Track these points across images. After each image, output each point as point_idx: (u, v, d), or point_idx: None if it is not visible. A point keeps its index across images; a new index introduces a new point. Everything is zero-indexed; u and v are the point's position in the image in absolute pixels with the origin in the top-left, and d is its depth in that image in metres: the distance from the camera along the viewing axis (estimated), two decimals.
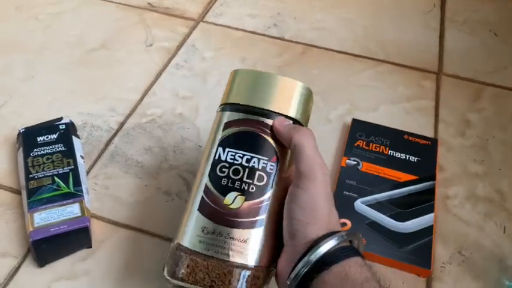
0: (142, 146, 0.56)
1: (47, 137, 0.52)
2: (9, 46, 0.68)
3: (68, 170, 0.49)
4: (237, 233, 0.35)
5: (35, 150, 0.50)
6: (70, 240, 0.45)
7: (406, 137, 0.57)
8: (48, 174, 0.48)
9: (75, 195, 0.47)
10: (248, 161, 0.37)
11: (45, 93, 0.62)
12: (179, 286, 0.36)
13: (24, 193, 0.47)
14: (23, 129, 0.53)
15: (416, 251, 0.46)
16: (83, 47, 0.69)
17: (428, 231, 0.48)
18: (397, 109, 0.63)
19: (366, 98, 0.64)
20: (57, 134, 0.52)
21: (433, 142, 0.57)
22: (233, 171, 0.36)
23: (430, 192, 0.51)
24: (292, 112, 0.39)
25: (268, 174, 0.37)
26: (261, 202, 0.36)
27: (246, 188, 0.36)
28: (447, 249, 0.48)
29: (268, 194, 0.36)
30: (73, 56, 0.67)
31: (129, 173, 0.54)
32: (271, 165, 0.37)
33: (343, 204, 0.50)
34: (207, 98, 0.62)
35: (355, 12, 0.77)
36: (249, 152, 0.37)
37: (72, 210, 0.45)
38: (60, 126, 0.53)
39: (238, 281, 0.34)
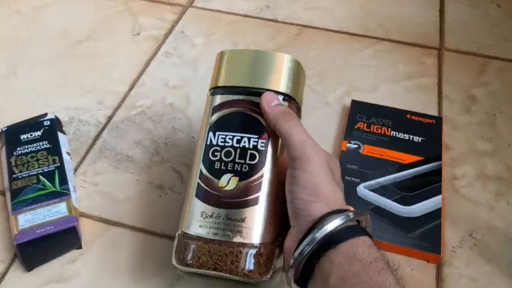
0: (132, 139, 0.54)
1: (31, 135, 0.49)
2: None
3: (53, 168, 0.46)
4: (235, 213, 0.35)
5: (19, 148, 0.48)
6: (58, 241, 0.42)
7: (408, 116, 0.54)
8: (33, 173, 0.46)
9: (61, 194, 0.44)
10: (238, 141, 0.36)
11: (29, 89, 0.59)
12: (188, 273, 0.37)
13: (8, 194, 0.45)
14: (5, 128, 0.50)
15: (425, 236, 0.44)
16: (68, 39, 0.66)
17: (436, 214, 0.45)
18: (399, 88, 0.60)
19: (365, 78, 0.61)
20: (41, 131, 0.50)
21: (438, 120, 0.54)
22: (225, 153, 0.36)
23: (437, 173, 0.49)
24: (282, 87, 0.38)
25: (260, 152, 0.36)
26: (256, 180, 0.36)
27: (238, 169, 0.36)
28: (457, 233, 0.46)
29: (263, 171, 0.36)
30: (58, 49, 0.65)
31: (119, 168, 0.51)
32: (262, 142, 0.36)
33: (345, 190, 0.47)
34: (198, 86, 0.59)
35: None
36: (238, 133, 0.37)
37: (58, 210, 0.43)
38: (45, 123, 0.51)
39: (241, 259, 0.34)
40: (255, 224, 0.35)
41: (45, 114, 0.52)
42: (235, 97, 0.38)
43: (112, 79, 0.60)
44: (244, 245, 0.34)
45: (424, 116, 0.54)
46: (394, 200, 0.46)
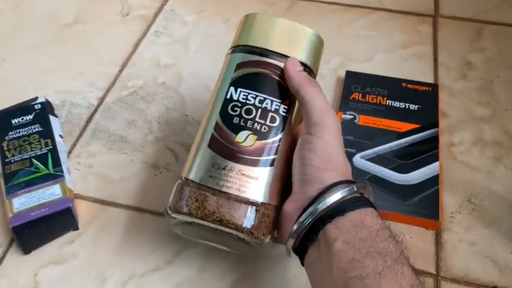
0: (125, 120, 0.53)
1: (22, 119, 0.49)
2: None
3: (46, 151, 0.46)
4: (249, 170, 0.35)
5: (10, 133, 0.47)
6: (54, 223, 0.42)
7: (404, 84, 0.53)
8: (26, 156, 0.45)
9: (55, 176, 0.44)
10: (261, 102, 0.36)
11: (19, 74, 0.58)
12: (182, 223, 0.35)
13: (1, 179, 0.44)
14: None
15: (423, 203, 0.44)
16: (56, 23, 0.65)
17: (434, 181, 0.45)
18: (394, 57, 0.59)
19: (360, 48, 0.60)
20: (32, 115, 0.49)
21: (434, 87, 0.53)
22: (245, 110, 0.36)
23: (434, 140, 0.48)
24: (305, 58, 0.38)
25: (281, 117, 0.36)
26: (273, 143, 0.36)
27: (258, 128, 0.36)
28: (455, 199, 0.45)
29: (280, 136, 0.36)
30: (47, 33, 0.64)
31: (113, 149, 0.51)
32: (284, 107, 0.37)
33: None
34: (190, 64, 0.58)
35: None
36: (262, 93, 0.36)
37: (53, 191, 0.43)
38: (36, 106, 0.50)
39: (248, 216, 0.34)
40: (266, 184, 0.35)
41: (36, 98, 0.51)
42: (262, 59, 0.37)
43: (102, 61, 0.60)
44: (253, 203, 0.34)
45: (420, 83, 0.53)
46: (391, 169, 0.46)
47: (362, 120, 0.50)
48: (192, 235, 0.38)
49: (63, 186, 0.43)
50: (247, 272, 0.41)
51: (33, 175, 0.44)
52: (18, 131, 0.48)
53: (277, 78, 0.37)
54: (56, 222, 0.42)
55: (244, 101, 0.36)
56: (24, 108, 0.50)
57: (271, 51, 0.38)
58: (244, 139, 0.35)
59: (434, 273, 0.41)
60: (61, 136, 0.49)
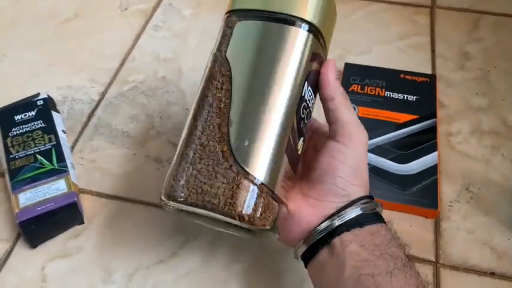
0: (126, 114, 0.54)
1: (25, 115, 0.49)
2: None
3: (50, 147, 0.46)
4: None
5: (14, 129, 0.48)
6: (59, 217, 0.43)
7: (402, 76, 0.54)
8: (30, 152, 0.46)
9: (59, 171, 0.44)
10: (312, 103, 0.34)
11: (20, 71, 0.59)
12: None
13: (6, 175, 0.45)
14: None
15: (422, 192, 0.44)
16: (55, 18, 0.65)
17: (432, 170, 0.46)
18: (391, 48, 0.59)
19: (357, 40, 0.60)
20: (35, 111, 0.50)
21: (431, 78, 0.54)
22: (307, 113, 0.33)
23: (432, 131, 0.49)
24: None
25: (311, 115, 0.35)
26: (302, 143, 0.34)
27: (304, 131, 0.34)
28: (454, 187, 0.46)
29: (303, 138, 0.34)
30: (46, 29, 0.64)
31: (115, 144, 0.51)
32: (312, 104, 0.35)
33: None
34: (190, 58, 0.59)
35: None
36: (314, 93, 0.34)
37: (58, 186, 0.43)
38: (38, 102, 0.51)
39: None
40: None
41: (38, 94, 0.52)
42: (323, 53, 0.35)
43: (102, 56, 0.60)
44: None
45: (418, 74, 0.54)
46: (390, 159, 0.46)
47: (361, 111, 0.51)
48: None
49: (68, 181, 0.44)
50: (250, 262, 0.42)
51: (38, 170, 0.44)
52: (21, 127, 0.48)
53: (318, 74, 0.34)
54: (62, 216, 0.43)
55: (308, 102, 0.33)
56: (26, 104, 0.50)
57: (325, 44, 0.34)
58: (301, 147, 0.33)
59: (434, 260, 0.42)
60: (64, 132, 0.50)
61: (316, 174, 0.34)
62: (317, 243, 0.33)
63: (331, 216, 0.33)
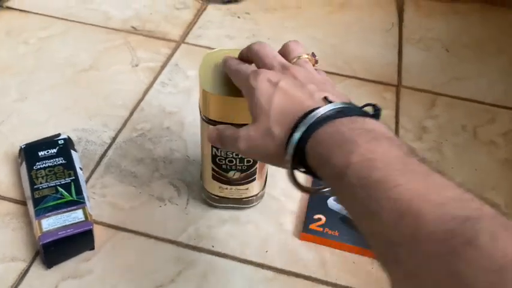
0: (134, 157, 0.62)
1: (47, 152, 0.56)
2: (1, 70, 0.73)
3: (69, 181, 0.54)
4: (241, 186, 0.53)
5: (37, 163, 0.55)
6: (75, 242, 0.49)
7: None
8: (52, 184, 0.53)
9: (78, 202, 0.52)
10: (237, 154, 0.49)
11: (40, 111, 0.67)
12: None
13: (30, 202, 0.52)
14: (24, 145, 0.57)
15: None
16: (72, 68, 0.74)
17: None
18: None
19: None
20: (56, 149, 0.57)
21: None
22: (228, 160, 0.50)
23: None
24: None
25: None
26: (252, 170, 0.51)
27: (240, 168, 0.51)
28: None
29: (256, 165, 0.51)
30: (64, 76, 0.72)
31: (124, 182, 0.59)
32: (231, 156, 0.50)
33: (317, 202, 0.56)
34: (191, 113, 0.68)
35: (324, 32, 0.84)
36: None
37: (76, 215, 0.50)
38: (59, 142, 0.58)
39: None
40: (254, 188, 0.53)
41: (59, 134, 0.59)
42: None
43: (114, 104, 0.68)
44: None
45: None
46: None
47: None
48: None
49: (85, 211, 0.51)
50: None
51: (59, 201, 0.51)
52: (44, 162, 0.55)
53: None
54: (78, 241, 0.50)
55: (225, 155, 0.50)
56: (49, 142, 0.58)
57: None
58: (233, 174, 0.52)
59: None
60: (81, 168, 0.57)
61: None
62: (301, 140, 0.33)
63: (295, 128, 0.33)
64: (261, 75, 0.37)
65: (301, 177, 0.36)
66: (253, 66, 0.41)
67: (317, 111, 0.33)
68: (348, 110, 0.33)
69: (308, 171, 0.34)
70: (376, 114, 0.34)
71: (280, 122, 0.35)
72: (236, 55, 0.49)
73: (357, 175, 0.29)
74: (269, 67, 0.39)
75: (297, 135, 0.33)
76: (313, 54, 0.42)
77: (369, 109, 0.35)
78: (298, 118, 0.34)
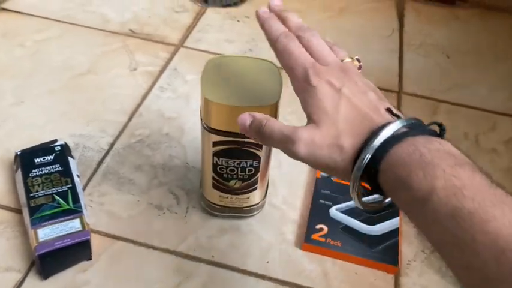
0: (132, 164, 0.61)
1: (44, 158, 0.55)
2: None
3: (66, 188, 0.52)
4: (242, 195, 0.52)
5: (34, 170, 0.54)
6: (72, 252, 0.48)
7: None
8: (48, 192, 0.52)
9: (75, 211, 0.50)
10: (238, 164, 0.49)
11: (36, 116, 0.65)
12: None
13: (26, 211, 0.51)
14: (20, 152, 0.56)
15: (385, 251, 0.52)
16: (70, 72, 0.73)
17: (395, 233, 0.54)
18: None
19: None
20: (53, 155, 0.56)
21: None
22: (229, 170, 0.50)
23: None
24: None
25: (255, 167, 0.49)
26: (254, 179, 0.51)
27: (241, 177, 0.50)
28: (412, 249, 0.55)
29: (258, 174, 0.50)
30: (61, 80, 0.71)
31: (121, 190, 0.58)
32: (256, 162, 0.49)
33: (319, 212, 0.55)
34: (191, 118, 0.67)
35: (323, 37, 0.83)
36: (238, 159, 0.48)
37: (73, 225, 0.49)
38: (56, 148, 0.57)
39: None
40: (255, 197, 0.53)
41: (55, 141, 0.58)
42: (232, 139, 0.46)
43: (112, 110, 0.67)
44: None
45: None
46: (360, 221, 0.55)
47: (336, 178, 0.59)
48: None
49: (82, 220, 0.50)
50: None
51: (56, 209, 0.50)
52: (40, 169, 0.54)
53: (246, 148, 0.47)
54: (75, 252, 0.48)
55: (226, 164, 0.49)
56: (45, 149, 0.56)
57: (236, 133, 0.45)
58: (234, 184, 0.51)
59: None
60: (78, 176, 0.56)
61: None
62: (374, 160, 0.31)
63: (368, 141, 0.31)
64: (322, 74, 0.35)
65: None
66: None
67: (389, 127, 0.31)
68: (419, 128, 0.32)
69: (374, 188, 0.32)
70: (442, 133, 0.33)
71: (349, 134, 0.33)
72: (239, 62, 0.48)
73: (444, 202, 0.28)
74: (323, 63, 0.36)
75: (368, 153, 0.31)
76: (358, 60, 0.39)
77: (434, 127, 0.34)
78: (369, 133, 0.32)
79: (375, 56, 0.81)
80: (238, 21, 0.85)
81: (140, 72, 0.74)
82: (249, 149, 0.47)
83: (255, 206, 0.54)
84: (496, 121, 0.72)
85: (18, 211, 0.54)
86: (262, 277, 0.51)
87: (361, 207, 0.35)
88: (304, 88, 0.35)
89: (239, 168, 0.49)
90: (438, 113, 0.72)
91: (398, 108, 0.72)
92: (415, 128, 0.32)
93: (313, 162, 0.34)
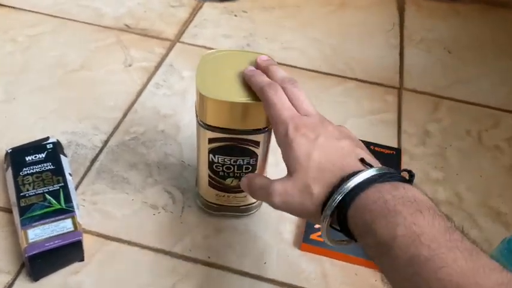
0: (127, 162, 0.59)
1: (35, 156, 0.54)
2: None
3: (58, 187, 0.51)
4: (238, 194, 0.51)
5: (24, 169, 0.52)
6: (64, 254, 0.47)
7: (372, 147, 0.62)
8: (39, 192, 0.50)
9: (66, 211, 0.49)
10: (235, 161, 0.47)
11: (28, 113, 0.64)
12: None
13: (16, 211, 0.49)
14: (10, 150, 0.54)
15: None
16: (63, 68, 0.71)
17: None
18: (364, 122, 0.68)
19: (335, 112, 0.68)
20: (45, 153, 0.54)
21: (397, 151, 0.62)
22: (226, 167, 0.48)
23: None
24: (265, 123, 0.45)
25: (252, 165, 0.48)
26: None
27: (238, 175, 0.48)
28: None
29: (255, 172, 0.49)
30: (54, 77, 0.69)
31: (115, 189, 0.56)
32: (253, 160, 0.47)
33: None
34: (187, 115, 0.65)
35: (323, 32, 0.82)
36: (234, 157, 0.47)
37: (65, 225, 0.47)
38: (48, 146, 0.55)
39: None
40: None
41: (47, 138, 0.57)
42: (229, 136, 0.45)
43: (106, 106, 0.66)
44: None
45: (386, 147, 0.62)
46: None
47: None
48: None
49: (74, 220, 0.48)
50: None
51: (47, 209, 0.49)
52: (32, 167, 0.52)
53: (242, 145, 0.45)
54: (66, 253, 0.47)
55: (222, 162, 0.47)
56: (37, 146, 0.55)
57: (232, 129, 0.44)
58: (231, 182, 0.49)
59: None
60: (70, 174, 0.54)
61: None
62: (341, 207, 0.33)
63: (334, 190, 0.33)
64: (299, 128, 0.38)
65: None
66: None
67: (359, 175, 0.33)
68: (387, 175, 0.34)
69: (344, 231, 0.34)
70: (410, 180, 0.35)
71: (319, 181, 0.35)
72: (234, 57, 0.47)
73: (404, 250, 0.29)
74: (303, 112, 0.40)
75: (338, 197, 0.33)
76: None
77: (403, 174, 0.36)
78: (339, 180, 0.34)
79: (375, 52, 0.79)
80: (235, 16, 0.83)
81: (135, 68, 0.72)
82: (245, 146, 0.46)
83: (252, 205, 0.53)
84: (499, 118, 0.70)
85: (8, 211, 0.52)
86: (260, 278, 0.50)
87: (332, 245, 0.37)
88: (283, 141, 0.38)
89: (236, 166, 0.47)
90: (439, 109, 0.71)
91: (399, 105, 0.71)
92: (384, 175, 0.33)
93: (287, 209, 0.38)
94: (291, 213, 0.38)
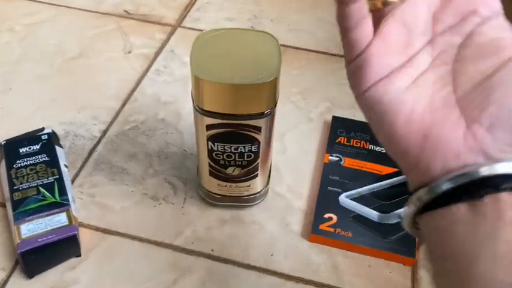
0: (126, 152, 0.56)
1: (30, 148, 0.51)
2: None
3: (52, 180, 0.49)
4: (242, 183, 0.48)
5: (18, 161, 0.50)
6: (59, 249, 0.44)
7: None
8: (33, 185, 0.48)
9: (61, 204, 0.47)
10: (236, 149, 0.44)
11: (25, 104, 0.61)
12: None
13: (9, 205, 0.47)
14: (4, 141, 0.52)
15: (401, 241, 0.48)
16: (61, 56, 0.68)
17: None
18: None
19: (344, 95, 0.65)
20: (39, 145, 0.52)
21: None
22: (226, 155, 0.45)
23: None
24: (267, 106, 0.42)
25: (254, 152, 0.45)
26: (254, 166, 0.46)
27: (239, 163, 0.46)
28: None
29: (258, 160, 0.46)
30: (52, 65, 0.67)
31: (114, 180, 0.54)
32: (255, 147, 0.45)
33: (328, 199, 0.51)
34: (189, 102, 0.62)
35: (330, 12, 0.78)
36: (234, 144, 0.44)
37: (59, 219, 0.45)
38: (43, 137, 0.53)
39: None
40: (257, 184, 0.49)
41: (43, 129, 0.54)
42: (226, 121, 0.42)
43: (105, 95, 0.63)
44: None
45: None
46: (372, 208, 0.50)
47: (347, 162, 0.55)
48: None
49: (69, 214, 0.46)
50: None
51: (41, 203, 0.46)
52: (25, 159, 0.50)
53: (243, 132, 0.43)
54: (61, 248, 0.45)
55: (222, 150, 0.45)
56: (31, 138, 0.53)
57: (231, 114, 0.41)
58: (232, 171, 0.47)
59: None
60: (66, 166, 0.52)
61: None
62: (464, 190, 0.24)
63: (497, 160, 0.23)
64: None
65: None
66: None
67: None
68: None
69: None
70: None
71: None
72: (232, 36, 0.44)
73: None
74: None
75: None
76: None
77: None
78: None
79: None
80: None
81: (135, 55, 0.69)
82: (246, 132, 0.43)
83: (257, 195, 0.50)
84: None
85: (2, 205, 0.50)
86: (267, 271, 0.47)
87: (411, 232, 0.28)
88: None
89: (237, 154, 0.44)
90: None
91: None
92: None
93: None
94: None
